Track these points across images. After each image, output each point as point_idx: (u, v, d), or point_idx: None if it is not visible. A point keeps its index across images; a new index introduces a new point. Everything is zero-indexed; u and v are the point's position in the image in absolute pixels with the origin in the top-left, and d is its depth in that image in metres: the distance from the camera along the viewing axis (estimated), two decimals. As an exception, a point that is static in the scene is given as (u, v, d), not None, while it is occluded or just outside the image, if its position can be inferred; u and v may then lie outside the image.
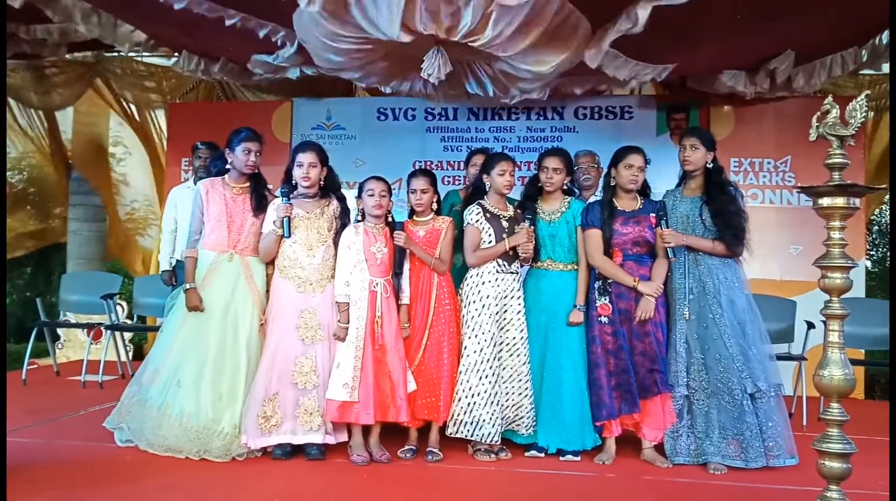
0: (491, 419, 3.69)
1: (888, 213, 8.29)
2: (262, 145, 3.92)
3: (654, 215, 3.79)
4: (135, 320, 6.51)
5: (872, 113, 6.31)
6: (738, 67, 5.38)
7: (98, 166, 7.87)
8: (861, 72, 5.91)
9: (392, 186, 3.97)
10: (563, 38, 4.16)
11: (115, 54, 6.83)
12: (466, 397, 3.68)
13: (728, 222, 3.71)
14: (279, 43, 4.73)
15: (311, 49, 4.57)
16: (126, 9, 4.95)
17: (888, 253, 8.32)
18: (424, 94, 5.52)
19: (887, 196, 7.22)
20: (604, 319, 3.77)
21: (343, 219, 3.87)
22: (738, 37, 4.68)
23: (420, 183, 3.87)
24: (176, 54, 5.75)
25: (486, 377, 3.70)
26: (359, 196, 3.85)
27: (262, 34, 4.56)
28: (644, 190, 3.92)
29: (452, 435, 3.72)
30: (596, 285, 3.81)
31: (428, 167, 5.96)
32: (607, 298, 3.77)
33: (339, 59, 4.62)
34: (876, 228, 8.33)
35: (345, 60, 4.61)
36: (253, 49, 5.05)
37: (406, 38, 4.00)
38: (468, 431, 3.68)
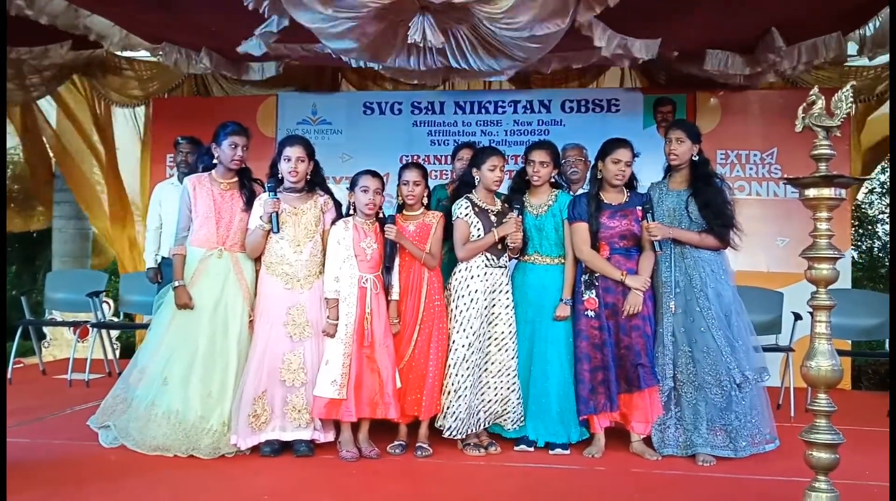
0: (478, 411, 3.72)
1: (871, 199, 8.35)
2: (248, 139, 3.88)
3: (640, 208, 3.78)
4: (121, 317, 6.46)
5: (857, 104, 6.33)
6: (722, 47, 5.36)
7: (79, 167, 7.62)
8: (846, 63, 5.93)
9: (382, 181, 3.94)
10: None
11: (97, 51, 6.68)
12: (456, 390, 3.68)
13: (717, 213, 3.70)
14: (265, 14, 4.59)
15: (298, 17, 4.44)
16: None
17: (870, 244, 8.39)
18: (410, 71, 5.37)
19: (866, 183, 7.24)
20: (590, 313, 3.76)
21: (336, 211, 3.85)
22: (723, 13, 4.65)
23: (413, 175, 3.84)
24: (159, 49, 5.64)
25: (474, 370, 3.70)
26: (351, 189, 3.82)
27: (248, 5, 4.43)
28: (631, 183, 3.90)
29: (441, 428, 3.71)
30: (583, 279, 3.80)
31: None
32: (594, 292, 3.76)
33: (325, 25, 4.47)
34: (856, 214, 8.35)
35: (331, 25, 4.48)
36: (237, 25, 4.90)
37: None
38: (457, 428, 3.67)
